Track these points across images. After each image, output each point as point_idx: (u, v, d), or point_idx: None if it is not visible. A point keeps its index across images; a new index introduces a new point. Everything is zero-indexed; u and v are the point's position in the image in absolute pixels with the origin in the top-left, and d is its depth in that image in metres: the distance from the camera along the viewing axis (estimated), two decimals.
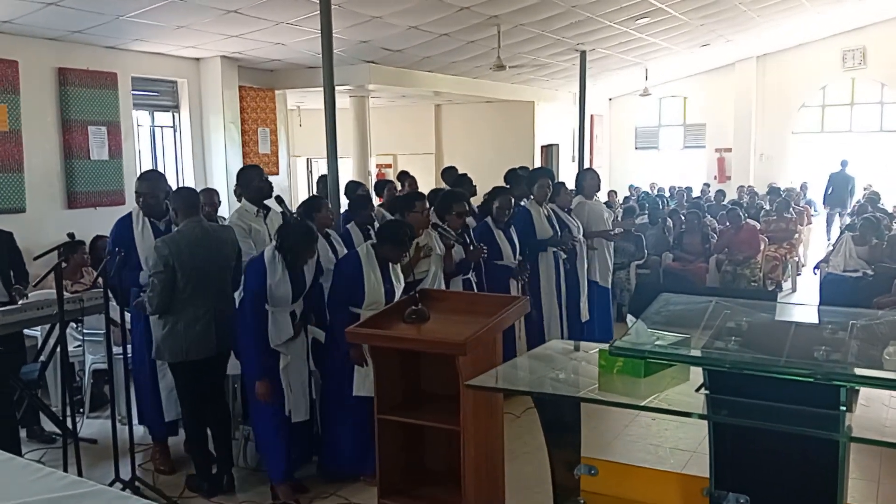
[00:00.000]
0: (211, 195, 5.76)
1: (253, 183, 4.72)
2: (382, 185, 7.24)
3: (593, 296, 6.55)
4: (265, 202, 4.78)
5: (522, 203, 6.14)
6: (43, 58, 7.15)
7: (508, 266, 5.50)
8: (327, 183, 5.86)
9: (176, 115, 9.08)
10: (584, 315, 6.38)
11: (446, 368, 3.52)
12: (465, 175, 6.96)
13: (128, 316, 4.36)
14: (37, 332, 5.28)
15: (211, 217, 5.19)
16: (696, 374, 2.60)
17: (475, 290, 5.15)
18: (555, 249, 5.97)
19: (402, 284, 4.29)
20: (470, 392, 3.32)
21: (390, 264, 4.23)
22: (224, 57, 8.92)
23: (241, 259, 4.32)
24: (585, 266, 6.44)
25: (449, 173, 7.89)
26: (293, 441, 4.13)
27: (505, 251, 5.50)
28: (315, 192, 6.55)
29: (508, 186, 6.45)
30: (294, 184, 11.82)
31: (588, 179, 6.80)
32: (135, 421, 4.38)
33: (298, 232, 4.00)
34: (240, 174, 4.91)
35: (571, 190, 7.07)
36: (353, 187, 6.51)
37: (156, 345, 4.09)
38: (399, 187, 7.36)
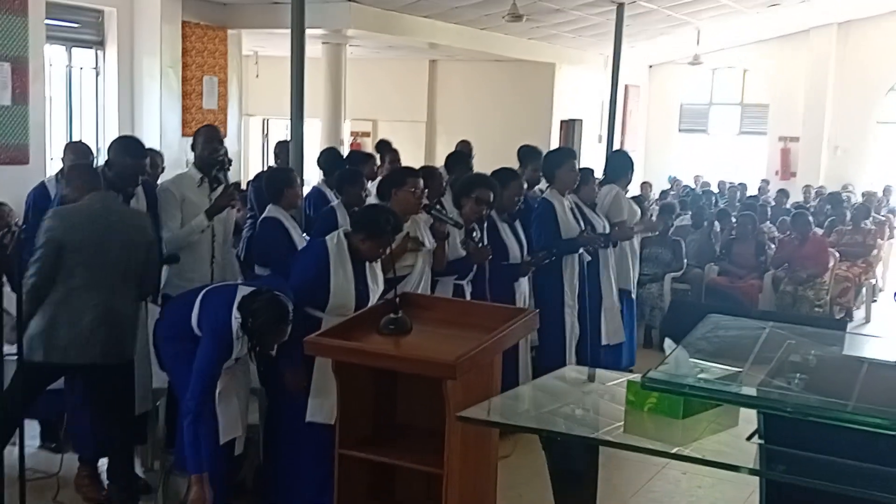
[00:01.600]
0: (153, 156, 5.70)
1: (206, 146, 4.82)
2: (359, 158, 7.15)
3: (626, 309, 6.62)
4: (217, 174, 4.80)
5: (543, 194, 6.15)
6: None
7: (513, 265, 5.51)
8: (290, 151, 5.85)
9: (100, 53, 9.02)
10: (610, 336, 6.42)
11: (429, 395, 3.51)
12: (462, 154, 6.96)
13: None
14: None
15: (149, 184, 5.19)
16: (746, 419, 2.61)
17: (467, 298, 5.14)
18: (581, 252, 5.99)
19: (381, 288, 4.28)
20: (458, 427, 3.32)
21: (367, 263, 4.22)
22: None
23: (154, 252, 4.31)
24: (612, 276, 6.46)
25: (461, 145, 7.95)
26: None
27: (511, 250, 5.51)
28: (275, 162, 6.54)
29: (518, 166, 6.45)
30: (245, 149, 11.78)
31: (626, 167, 6.82)
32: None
33: (269, 313, 3.79)
34: (196, 133, 5.01)
35: (599, 179, 7.08)
36: (332, 157, 6.49)
37: (27, 338, 4.06)
38: (378, 163, 7.34)
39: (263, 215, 4.78)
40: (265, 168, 6.77)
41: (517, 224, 5.68)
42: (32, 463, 4.48)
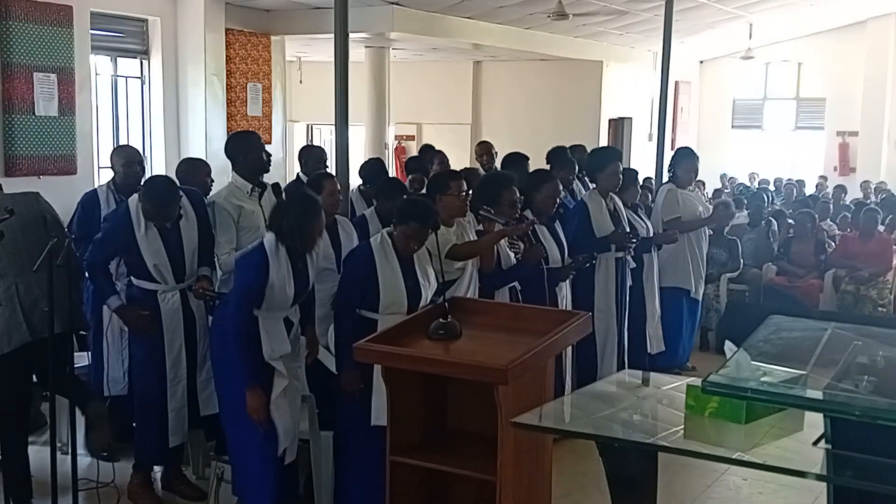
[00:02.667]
0: (202, 168, 5.60)
1: (251, 154, 4.82)
2: (416, 163, 7.21)
3: (678, 310, 6.66)
4: (261, 179, 4.86)
5: (583, 195, 6.15)
6: None
7: (554, 269, 5.49)
8: (336, 156, 5.85)
9: (145, 62, 9.16)
10: (653, 345, 6.38)
11: (481, 401, 3.51)
12: (518, 155, 6.96)
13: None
14: None
15: (197, 194, 5.25)
16: (812, 424, 2.57)
17: (519, 299, 5.13)
18: (619, 254, 5.96)
19: (433, 284, 4.30)
20: (511, 433, 3.30)
21: (415, 258, 4.25)
22: None
23: (53, 218, 4.31)
24: (656, 281, 6.44)
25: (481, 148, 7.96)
26: (283, 488, 4.16)
27: (552, 254, 5.48)
28: (300, 169, 6.59)
29: (549, 168, 6.47)
30: (290, 156, 11.88)
31: (683, 162, 6.86)
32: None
33: (300, 206, 4.03)
34: (235, 141, 5.00)
35: (648, 178, 7.06)
36: (374, 169, 6.55)
37: None
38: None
39: None
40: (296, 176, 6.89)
41: (557, 226, 5.65)
42: (87, 473, 4.56)
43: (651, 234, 6.44)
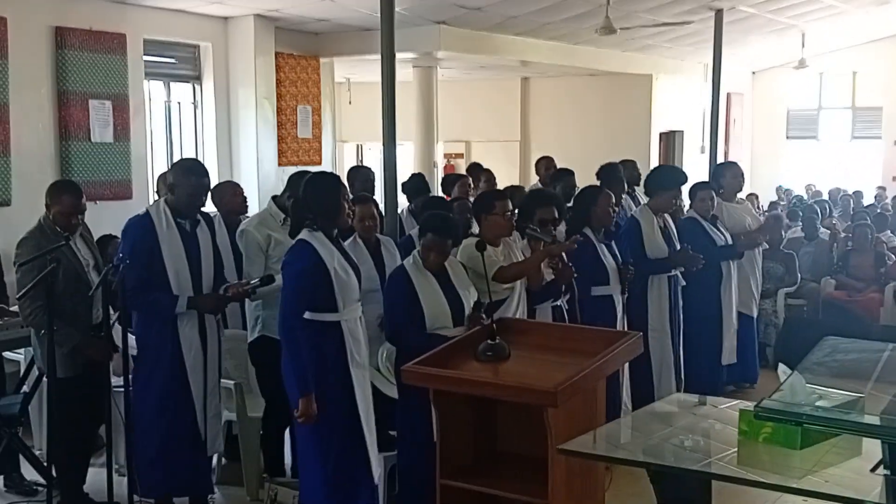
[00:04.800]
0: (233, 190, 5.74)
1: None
2: (452, 180, 7.29)
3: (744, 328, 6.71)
4: None
5: (633, 211, 6.13)
6: (36, 14, 7.43)
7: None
8: (384, 174, 5.88)
9: (197, 87, 9.33)
10: (729, 356, 6.44)
11: (531, 423, 3.49)
12: (566, 171, 6.95)
13: (131, 339, 4.47)
14: (19, 355, 5.47)
15: (231, 220, 5.28)
16: (871, 447, 2.50)
17: (567, 322, 5.07)
18: (672, 273, 5.91)
19: (474, 295, 4.31)
20: (562, 455, 3.26)
21: (450, 271, 4.27)
22: (258, 16, 9.13)
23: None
24: (734, 291, 6.43)
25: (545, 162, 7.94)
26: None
27: (611, 271, 5.43)
28: (349, 189, 6.66)
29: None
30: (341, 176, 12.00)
31: (727, 176, 6.84)
32: None
33: (319, 187, 3.99)
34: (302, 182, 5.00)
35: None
36: (416, 185, 6.56)
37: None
38: (472, 184, 7.41)
39: None
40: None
41: (613, 244, 5.61)
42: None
43: (730, 244, 6.45)
